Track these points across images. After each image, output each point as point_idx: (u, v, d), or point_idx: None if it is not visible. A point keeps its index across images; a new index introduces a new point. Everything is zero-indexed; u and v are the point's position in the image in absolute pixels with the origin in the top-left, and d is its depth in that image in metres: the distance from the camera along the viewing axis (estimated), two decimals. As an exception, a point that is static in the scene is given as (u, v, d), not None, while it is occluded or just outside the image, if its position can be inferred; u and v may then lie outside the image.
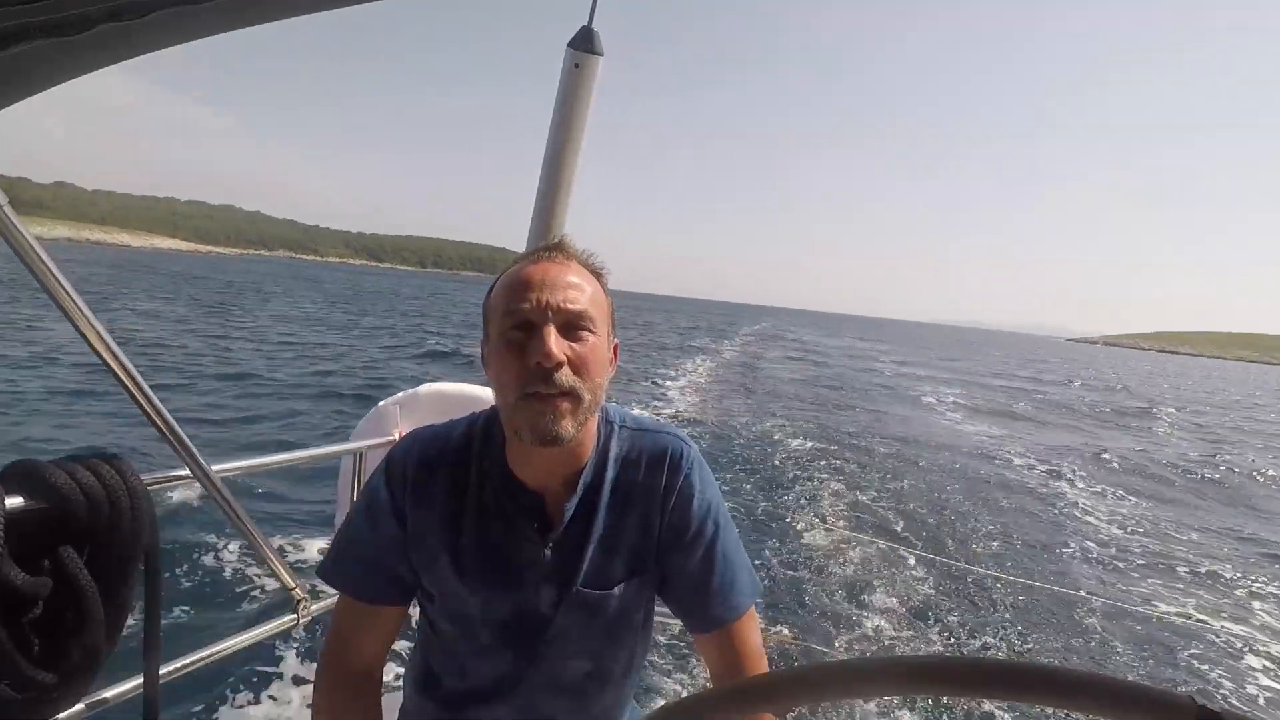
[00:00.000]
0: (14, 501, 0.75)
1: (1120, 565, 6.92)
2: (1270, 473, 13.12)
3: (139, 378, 0.96)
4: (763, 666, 0.93)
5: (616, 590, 0.89)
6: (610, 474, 0.90)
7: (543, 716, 0.92)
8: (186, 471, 1.07)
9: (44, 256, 0.83)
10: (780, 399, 16.39)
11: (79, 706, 0.88)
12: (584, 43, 1.05)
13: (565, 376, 0.79)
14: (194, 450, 1.05)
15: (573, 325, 0.82)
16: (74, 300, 0.87)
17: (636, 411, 0.99)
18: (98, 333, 0.90)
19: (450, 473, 0.90)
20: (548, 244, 0.90)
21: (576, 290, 0.83)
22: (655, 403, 13.63)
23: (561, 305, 0.81)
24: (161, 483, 1.08)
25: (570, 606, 0.88)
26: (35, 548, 0.78)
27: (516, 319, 0.81)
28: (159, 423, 0.99)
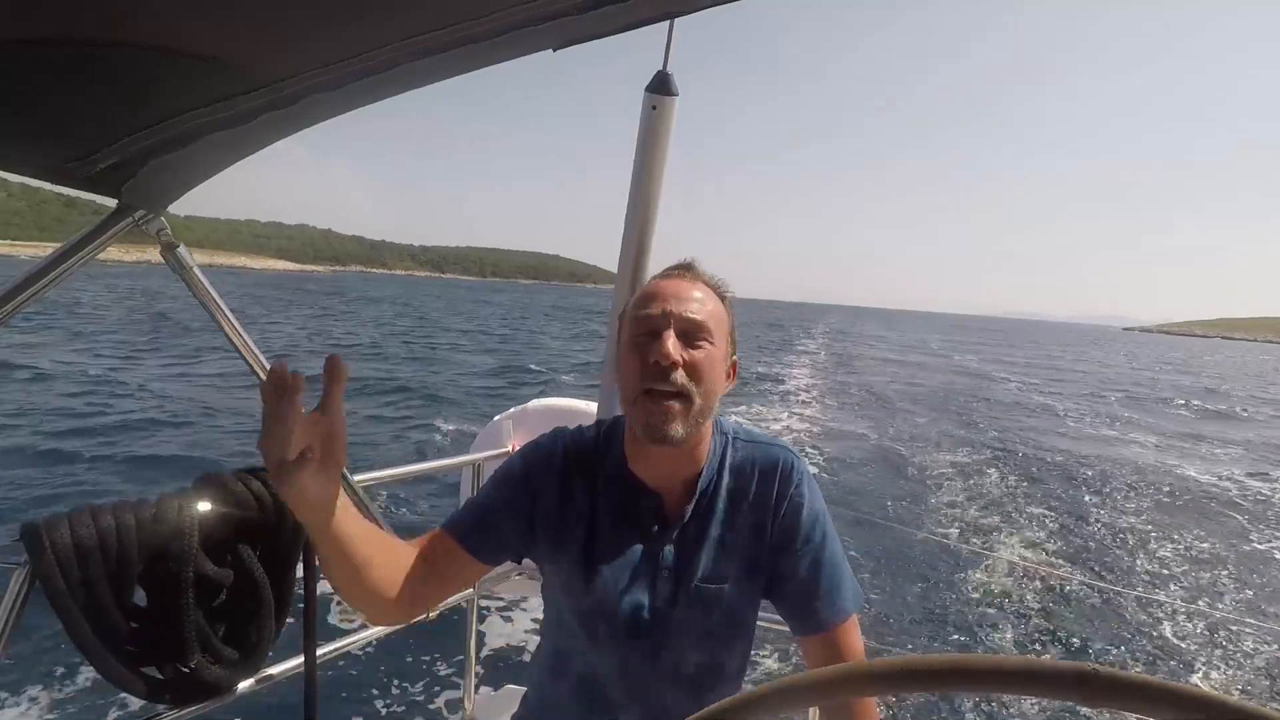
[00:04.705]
0: (204, 506, 0.91)
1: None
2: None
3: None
4: None
5: (729, 587, 0.95)
6: (726, 481, 0.97)
7: (663, 706, 0.97)
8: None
9: (209, 287, 0.97)
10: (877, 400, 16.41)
11: (253, 680, 1.03)
12: (660, 86, 1.15)
13: (680, 377, 0.87)
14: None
15: (692, 334, 0.89)
16: (233, 323, 0.99)
17: (748, 425, 1.06)
18: (254, 353, 1.03)
19: (586, 470, 0.98)
20: (679, 263, 0.99)
21: (698, 304, 0.91)
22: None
23: (683, 314, 0.89)
24: None
25: (687, 601, 0.94)
26: (220, 545, 0.93)
27: (643, 326, 0.90)
28: None
